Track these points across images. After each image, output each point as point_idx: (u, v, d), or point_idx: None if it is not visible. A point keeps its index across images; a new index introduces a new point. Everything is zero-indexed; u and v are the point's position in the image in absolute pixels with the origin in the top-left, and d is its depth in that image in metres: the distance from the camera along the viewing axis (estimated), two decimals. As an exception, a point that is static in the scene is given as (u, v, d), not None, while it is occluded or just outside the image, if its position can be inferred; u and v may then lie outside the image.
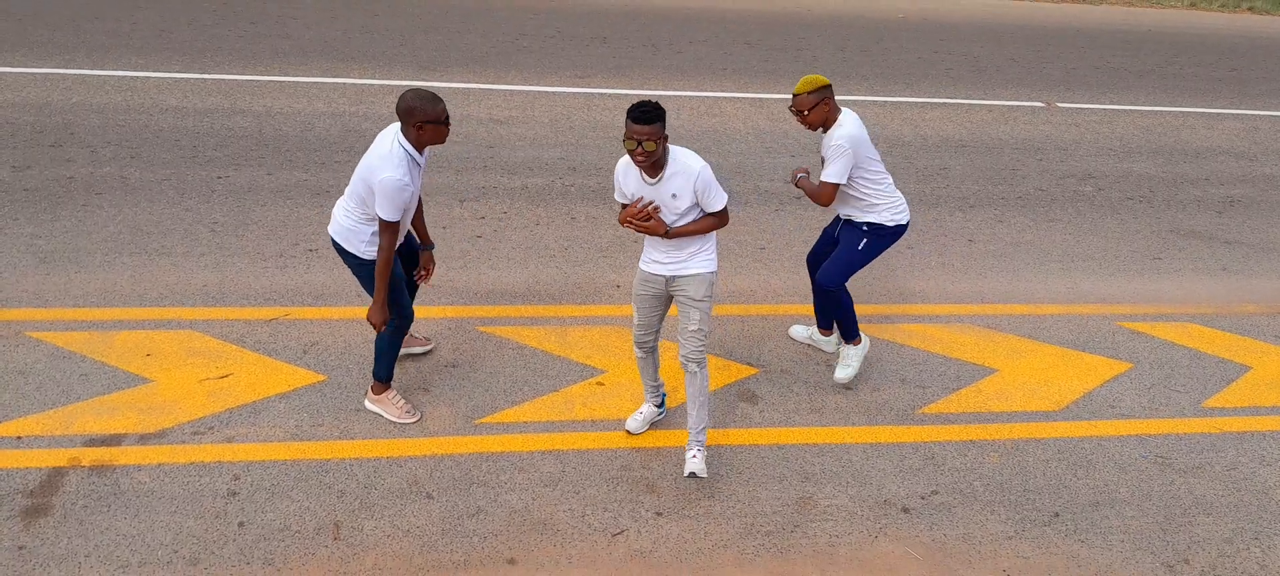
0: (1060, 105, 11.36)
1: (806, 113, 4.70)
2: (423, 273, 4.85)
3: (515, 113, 9.27)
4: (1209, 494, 4.78)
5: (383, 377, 4.70)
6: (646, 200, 4.13)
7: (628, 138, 3.90)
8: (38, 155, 7.32)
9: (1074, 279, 6.92)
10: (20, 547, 3.83)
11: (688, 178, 4.05)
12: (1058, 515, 4.55)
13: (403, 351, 5.18)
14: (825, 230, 5.37)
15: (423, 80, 9.89)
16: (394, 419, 4.72)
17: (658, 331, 4.54)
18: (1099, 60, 13.97)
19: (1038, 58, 13.73)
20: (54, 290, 5.60)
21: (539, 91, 9.97)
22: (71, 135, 7.74)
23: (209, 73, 9.53)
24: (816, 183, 4.85)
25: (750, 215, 7.43)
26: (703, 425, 4.46)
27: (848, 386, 5.33)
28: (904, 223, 5.02)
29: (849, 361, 5.28)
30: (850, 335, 5.27)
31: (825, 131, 4.81)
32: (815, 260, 5.35)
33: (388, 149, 4.16)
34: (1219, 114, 11.71)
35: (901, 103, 10.81)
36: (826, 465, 4.74)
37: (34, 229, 6.25)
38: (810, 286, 5.47)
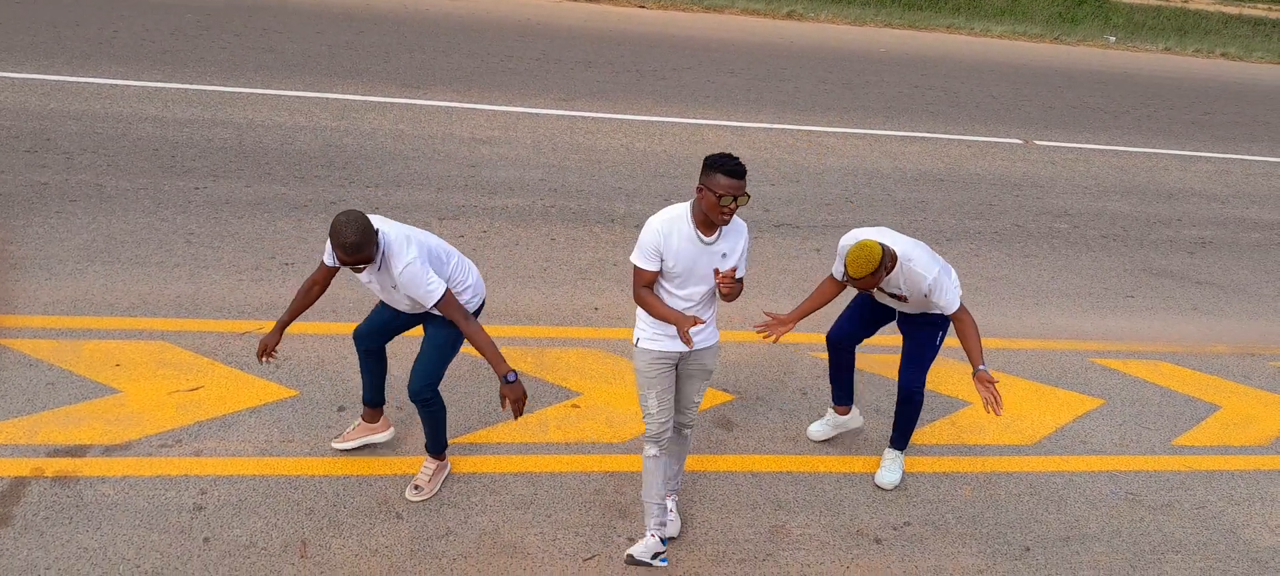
0: (1038, 142, 11.50)
1: (880, 283, 4.21)
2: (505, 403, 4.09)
3: (498, 133, 9.27)
4: (1178, 532, 4.81)
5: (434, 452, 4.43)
6: (725, 269, 3.72)
7: (721, 193, 3.48)
8: (12, 161, 7.24)
9: (1048, 314, 6.98)
10: (-22, 558, 3.75)
11: (739, 236, 3.77)
12: (1028, 549, 4.56)
13: (364, 442, 4.69)
14: (853, 310, 4.84)
15: (406, 98, 9.88)
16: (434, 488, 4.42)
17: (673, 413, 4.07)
18: (1076, 100, 14.17)
19: (1016, 95, 13.91)
20: (23, 297, 5.52)
21: (522, 112, 9.98)
22: (48, 142, 7.66)
23: (190, 83, 9.47)
24: (959, 329, 4.35)
25: (729, 242, 7.45)
26: (681, 479, 4.35)
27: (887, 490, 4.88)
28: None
29: (895, 467, 4.87)
30: (904, 442, 4.86)
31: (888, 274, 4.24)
32: (843, 339, 4.86)
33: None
34: (1192, 156, 11.89)
35: (881, 135, 10.90)
36: (800, 494, 4.73)
37: (5, 234, 6.17)
38: (833, 341, 4.92)
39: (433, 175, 8.01)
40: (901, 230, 8.18)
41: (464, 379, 5.28)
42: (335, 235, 3.65)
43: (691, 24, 15.95)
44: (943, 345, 4.69)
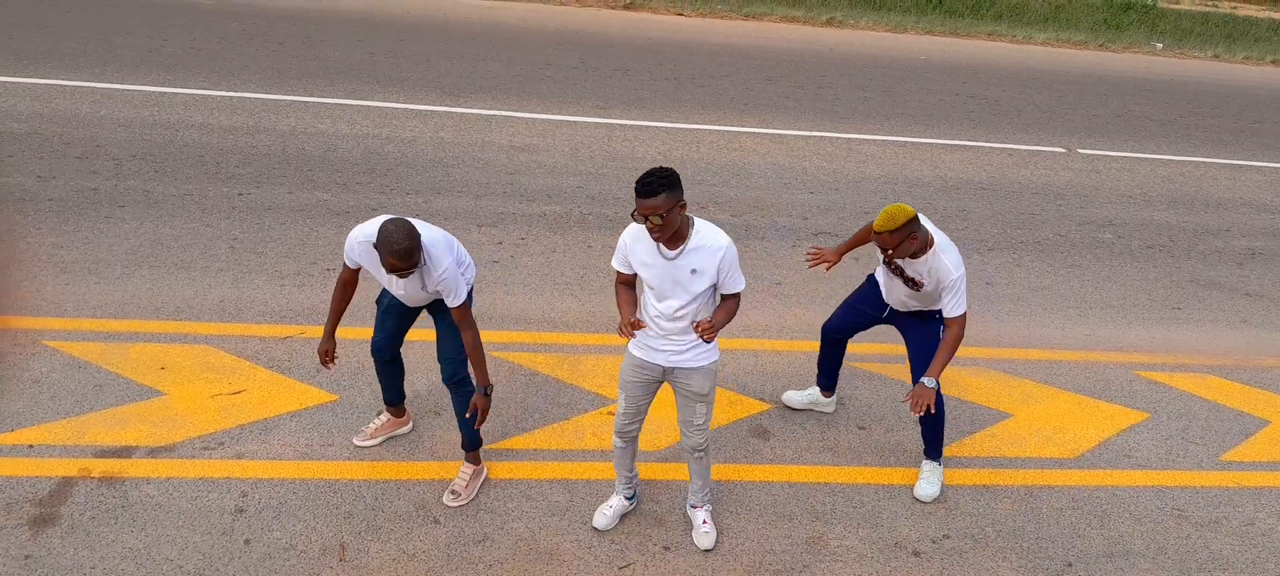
0: (1082, 151, 11.33)
1: (891, 251, 4.22)
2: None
3: (536, 140, 9.32)
4: (1225, 549, 4.70)
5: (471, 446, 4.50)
6: (694, 313, 3.77)
7: (634, 214, 3.57)
8: (64, 166, 7.41)
9: (1092, 326, 6.87)
10: (27, 556, 3.83)
11: (712, 254, 3.68)
12: (1070, 565, 4.48)
13: (389, 437, 4.80)
14: (852, 304, 4.97)
15: (447, 105, 9.96)
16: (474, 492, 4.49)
17: (643, 419, 4.19)
18: (1121, 107, 13.94)
19: (1059, 103, 13.72)
20: (72, 300, 5.64)
21: (560, 120, 10.03)
22: (98, 148, 7.83)
23: (235, 91, 9.64)
24: (946, 332, 4.33)
25: (767, 250, 7.42)
26: (707, 489, 4.35)
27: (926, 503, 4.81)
28: None
29: (933, 478, 4.82)
30: (936, 452, 4.83)
31: (912, 257, 4.32)
32: (837, 330, 5.05)
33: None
34: (1241, 165, 11.65)
35: (922, 143, 10.81)
36: (837, 505, 4.69)
37: (55, 239, 6.31)
38: (827, 332, 5.12)
39: (472, 182, 8.07)
40: (941, 239, 8.08)
41: (500, 386, 5.30)
42: (386, 243, 3.71)
43: (730, 31, 15.94)
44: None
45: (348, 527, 4.18)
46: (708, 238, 3.70)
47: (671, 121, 10.42)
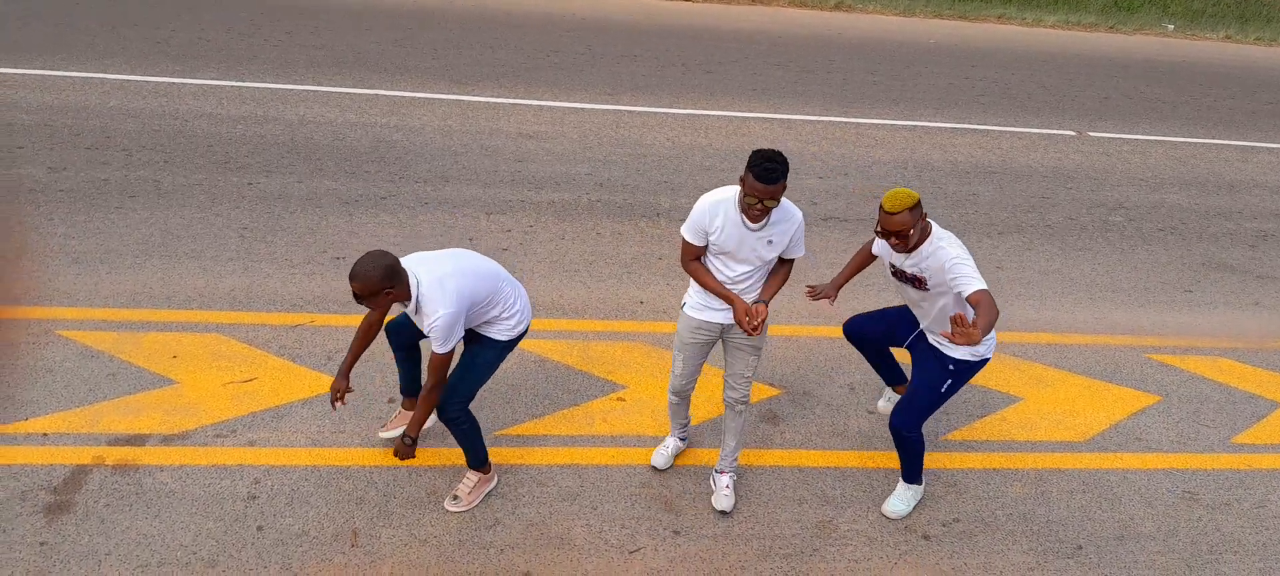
0: (1092, 134, 11.27)
1: (909, 233, 3.91)
2: None
3: (544, 127, 9.31)
4: (1237, 531, 4.70)
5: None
6: (750, 315, 3.92)
7: (749, 194, 3.64)
8: (74, 157, 7.44)
9: (1103, 309, 6.84)
10: (42, 543, 3.87)
11: (790, 226, 3.90)
12: (1081, 547, 4.48)
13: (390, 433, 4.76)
14: (884, 312, 4.72)
15: (455, 94, 9.96)
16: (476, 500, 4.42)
17: (697, 377, 4.38)
18: (1132, 90, 13.85)
19: (1070, 86, 13.63)
20: (84, 290, 5.68)
21: (568, 107, 10.01)
22: (108, 138, 7.86)
23: (244, 81, 9.65)
24: (975, 313, 3.80)
25: (776, 236, 7.40)
26: (737, 455, 4.45)
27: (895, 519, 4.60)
28: (988, 356, 4.29)
29: (905, 498, 4.59)
30: (913, 477, 4.57)
31: (915, 248, 4.05)
32: (860, 331, 4.77)
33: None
34: (1254, 147, 11.56)
35: (932, 127, 10.76)
36: (847, 489, 4.70)
37: (67, 229, 6.34)
38: (848, 335, 4.85)
39: (480, 170, 8.07)
40: (951, 224, 8.09)
41: (511, 373, 5.32)
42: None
43: (739, 16, 15.87)
44: (948, 396, 4.32)
45: (360, 513, 4.21)
46: (787, 210, 3.90)
47: (680, 107, 10.39)
